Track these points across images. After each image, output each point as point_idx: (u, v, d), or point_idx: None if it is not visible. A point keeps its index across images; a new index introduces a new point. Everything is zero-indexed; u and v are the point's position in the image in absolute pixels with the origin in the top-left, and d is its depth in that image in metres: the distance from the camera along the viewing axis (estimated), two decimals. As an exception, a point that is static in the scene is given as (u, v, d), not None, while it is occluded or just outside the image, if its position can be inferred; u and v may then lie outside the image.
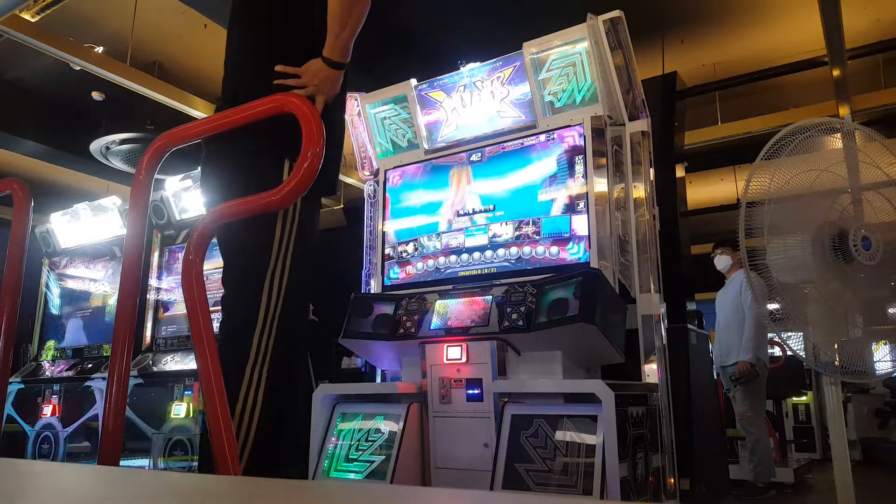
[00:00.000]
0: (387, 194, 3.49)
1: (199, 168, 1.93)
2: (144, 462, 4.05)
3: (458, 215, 3.21)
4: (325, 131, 1.30)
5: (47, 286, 5.52)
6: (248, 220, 1.57)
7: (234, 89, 1.87)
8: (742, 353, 4.26)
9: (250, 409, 1.63)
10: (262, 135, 1.64)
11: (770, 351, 4.74)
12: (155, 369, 4.26)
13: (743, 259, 2.35)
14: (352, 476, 2.78)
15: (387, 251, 3.41)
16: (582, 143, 2.93)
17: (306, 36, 1.79)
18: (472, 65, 3.30)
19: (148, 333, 4.58)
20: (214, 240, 1.47)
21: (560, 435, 2.43)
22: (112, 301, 5.03)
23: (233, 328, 1.71)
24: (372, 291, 3.43)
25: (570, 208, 2.90)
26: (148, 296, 4.63)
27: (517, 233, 3.02)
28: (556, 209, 2.94)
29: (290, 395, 1.71)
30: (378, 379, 3.38)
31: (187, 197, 4.54)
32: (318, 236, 1.86)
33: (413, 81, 3.46)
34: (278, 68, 1.71)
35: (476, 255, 3.10)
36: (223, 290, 1.79)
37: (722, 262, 4.68)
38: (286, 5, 1.85)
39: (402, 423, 2.78)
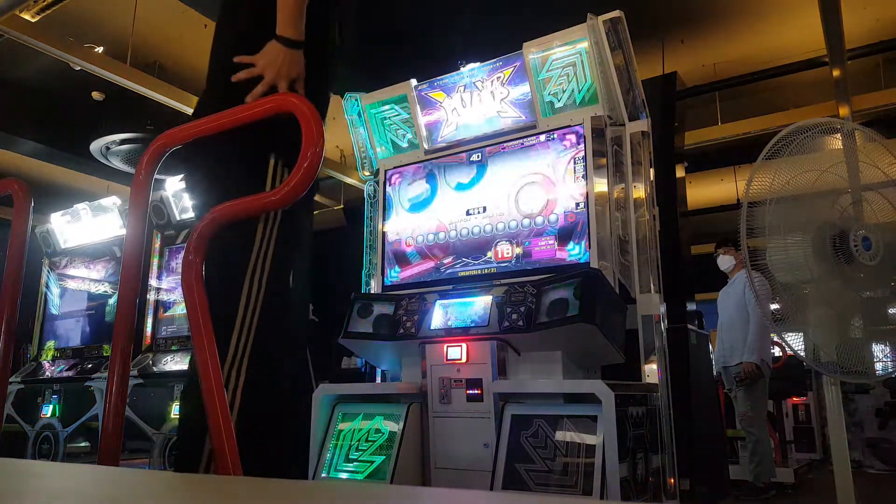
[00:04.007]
0: (387, 194, 3.49)
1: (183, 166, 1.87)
2: (144, 462, 4.05)
3: (458, 216, 3.21)
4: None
5: (47, 286, 5.52)
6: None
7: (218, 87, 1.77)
8: (747, 355, 4.26)
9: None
10: (247, 131, 1.53)
11: (771, 351, 4.74)
12: (155, 369, 4.26)
13: (744, 259, 2.35)
14: (352, 476, 2.78)
15: (387, 251, 3.41)
16: (582, 143, 2.93)
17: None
18: (472, 65, 3.30)
19: (148, 333, 4.57)
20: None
21: (560, 435, 2.43)
22: (112, 301, 5.03)
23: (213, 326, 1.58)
24: (372, 291, 3.43)
25: (571, 208, 2.90)
26: (148, 296, 4.63)
27: (517, 233, 3.01)
28: (557, 209, 2.94)
29: (271, 398, 1.61)
30: (378, 379, 3.38)
31: (187, 197, 4.53)
32: (309, 235, 1.78)
33: (413, 81, 3.46)
34: (236, 59, 1.58)
35: (476, 255, 3.10)
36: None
37: (725, 262, 4.69)
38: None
39: (402, 423, 2.77)
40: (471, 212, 3.17)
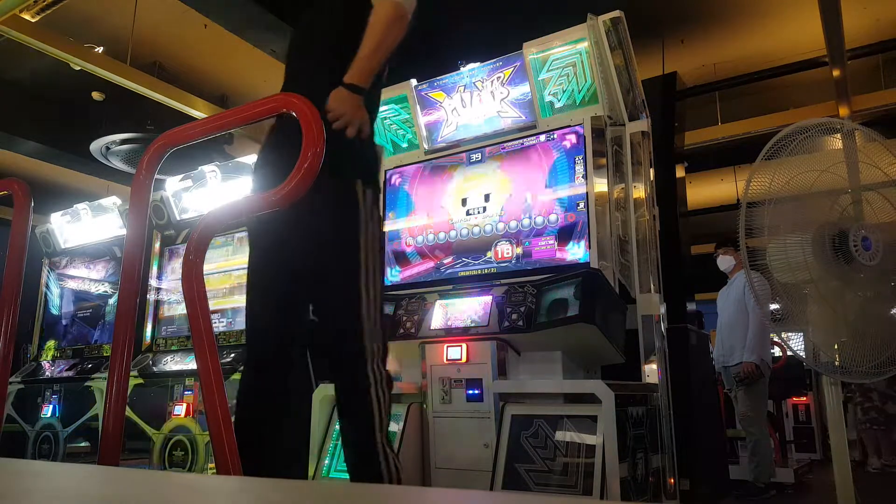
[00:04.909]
0: (387, 194, 3.49)
1: (258, 172, 2.01)
2: (144, 462, 4.05)
3: (458, 216, 3.21)
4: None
5: (47, 286, 5.51)
6: (332, 234, 1.81)
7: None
8: (746, 355, 4.26)
9: (386, 405, 1.79)
10: (338, 154, 1.77)
11: (771, 351, 4.74)
12: (155, 369, 4.25)
13: (743, 259, 2.35)
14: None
15: (387, 251, 3.41)
16: (582, 143, 2.92)
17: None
18: (472, 65, 3.30)
19: (148, 333, 4.57)
20: (214, 240, 1.48)
21: (560, 435, 2.43)
22: (112, 301, 5.03)
23: (340, 334, 1.84)
24: (372, 291, 3.43)
25: (570, 208, 2.90)
26: (148, 296, 4.62)
27: (517, 233, 3.01)
28: (557, 209, 2.94)
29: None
30: (378, 379, 3.38)
31: (187, 197, 4.53)
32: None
33: (413, 81, 3.46)
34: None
35: (476, 255, 3.10)
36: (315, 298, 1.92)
37: (725, 262, 4.68)
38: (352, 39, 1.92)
39: (402, 423, 2.77)
40: (471, 212, 3.17)
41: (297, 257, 1.88)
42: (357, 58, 1.84)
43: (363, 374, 1.78)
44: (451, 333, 2.81)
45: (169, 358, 4.28)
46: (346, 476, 2.77)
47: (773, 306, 2.40)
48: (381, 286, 1.89)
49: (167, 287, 4.67)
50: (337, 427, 2.95)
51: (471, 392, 2.71)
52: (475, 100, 3.30)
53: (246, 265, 2.00)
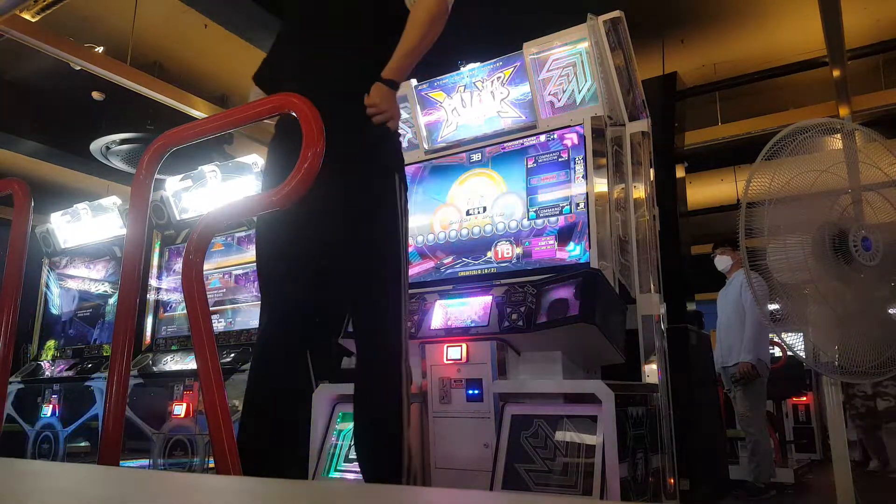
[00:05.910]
0: (387, 194, 3.49)
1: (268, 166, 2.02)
2: (144, 462, 4.04)
3: (458, 216, 3.21)
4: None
5: (47, 286, 5.51)
6: (375, 230, 1.84)
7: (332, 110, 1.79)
8: (743, 354, 4.26)
9: (409, 402, 1.82)
10: (380, 148, 1.87)
11: (770, 351, 4.74)
12: (155, 369, 4.25)
13: (743, 260, 2.35)
14: (352, 476, 2.77)
15: (387, 251, 3.41)
16: (582, 143, 2.92)
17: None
18: (472, 65, 3.30)
19: (148, 333, 4.57)
20: (213, 240, 1.48)
21: (560, 435, 2.43)
22: (112, 301, 5.03)
23: (380, 328, 1.86)
24: (372, 291, 3.43)
25: (571, 209, 2.90)
26: (148, 296, 4.62)
27: (517, 233, 3.01)
28: (557, 209, 2.94)
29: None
30: (378, 379, 3.37)
31: (187, 197, 4.53)
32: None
33: (413, 81, 3.45)
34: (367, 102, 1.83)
35: (476, 255, 3.10)
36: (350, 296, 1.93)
37: (722, 262, 4.68)
38: (384, 30, 1.94)
39: (402, 423, 2.77)
40: (471, 212, 3.17)
41: (331, 246, 1.88)
42: (397, 54, 1.84)
43: (398, 370, 1.78)
44: (451, 333, 2.81)
45: (169, 358, 4.28)
46: (344, 476, 2.77)
47: (772, 306, 2.40)
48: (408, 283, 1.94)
49: (167, 287, 4.67)
50: (338, 427, 2.95)
51: (471, 392, 2.71)
52: (475, 100, 3.30)
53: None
